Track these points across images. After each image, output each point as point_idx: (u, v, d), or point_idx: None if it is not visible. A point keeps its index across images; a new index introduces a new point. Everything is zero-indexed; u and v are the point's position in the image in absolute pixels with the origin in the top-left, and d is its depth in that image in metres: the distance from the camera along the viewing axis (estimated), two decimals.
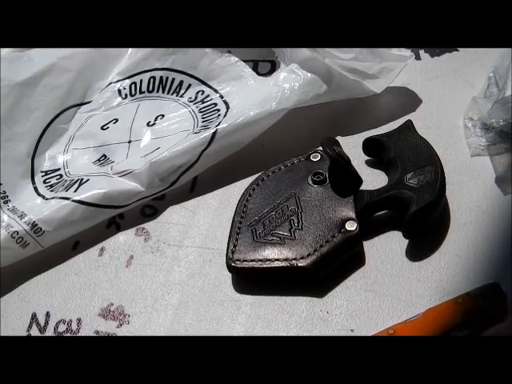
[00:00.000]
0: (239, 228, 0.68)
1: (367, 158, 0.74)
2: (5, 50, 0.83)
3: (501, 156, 0.73)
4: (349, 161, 0.68)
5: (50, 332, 0.68)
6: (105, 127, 0.81)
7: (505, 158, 0.72)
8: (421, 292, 0.65)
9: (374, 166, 0.74)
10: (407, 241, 0.68)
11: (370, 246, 0.68)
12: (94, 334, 0.68)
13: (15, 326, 0.70)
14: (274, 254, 0.66)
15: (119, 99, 0.84)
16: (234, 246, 0.67)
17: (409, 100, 0.79)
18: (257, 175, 0.73)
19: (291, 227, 0.67)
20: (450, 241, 0.68)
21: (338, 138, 0.72)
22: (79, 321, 0.69)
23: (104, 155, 0.78)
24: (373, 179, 0.72)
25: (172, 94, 0.82)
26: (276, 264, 0.65)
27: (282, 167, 0.72)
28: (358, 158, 0.73)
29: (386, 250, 0.68)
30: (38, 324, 0.69)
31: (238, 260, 0.66)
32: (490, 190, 0.70)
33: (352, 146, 0.74)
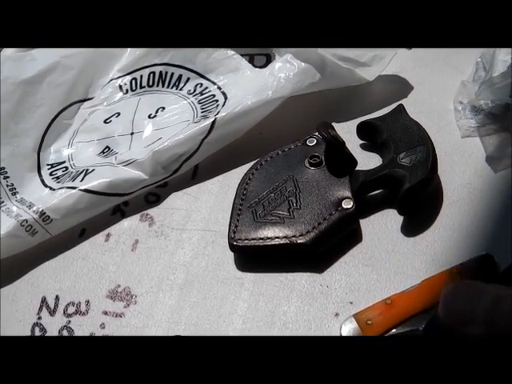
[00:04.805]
0: (240, 209, 0.71)
1: (361, 141, 0.77)
2: (8, 50, 0.86)
3: (490, 137, 0.75)
4: (343, 142, 0.71)
5: (59, 314, 0.71)
6: (107, 121, 0.84)
7: (494, 139, 0.75)
8: (416, 265, 0.67)
9: (368, 149, 0.76)
10: (402, 217, 0.70)
11: (367, 224, 0.71)
12: (103, 315, 0.70)
13: (26, 310, 0.72)
14: (274, 233, 0.68)
15: (121, 94, 0.86)
16: (236, 227, 0.70)
17: (400, 87, 0.81)
18: (255, 161, 0.75)
19: (290, 207, 0.70)
20: (444, 216, 0.70)
21: (333, 125, 0.74)
22: (88, 302, 0.71)
23: (107, 147, 0.81)
24: (367, 161, 0.74)
25: (171, 88, 0.85)
26: (276, 241, 0.68)
27: (280, 152, 0.75)
28: (352, 142, 0.76)
29: (382, 226, 0.70)
30: (47, 307, 0.71)
31: (239, 239, 0.69)
32: (480, 169, 0.73)
33: (346, 131, 0.77)
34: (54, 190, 0.77)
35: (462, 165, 0.74)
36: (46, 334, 0.70)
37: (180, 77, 0.85)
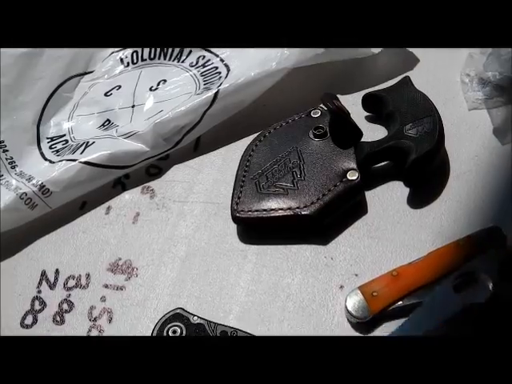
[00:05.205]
0: (243, 181, 0.70)
1: (367, 114, 0.75)
2: None
3: (498, 109, 0.74)
4: (348, 113, 0.70)
5: (59, 287, 0.70)
6: (108, 94, 0.82)
7: (502, 111, 0.74)
8: (423, 237, 0.66)
9: (373, 121, 0.75)
10: (408, 189, 0.69)
11: (372, 196, 0.70)
12: (103, 288, 0.69)
13: (25, 283, 0.71)
14: (277, 204, 0.67)
15: (121, 67, 0.85)
16: (239, 198, 0.69)
17: (406, 59, 0.80)
18: (259, 133, 0.74)
19: (294, 178, 0.68)
20: (450, 188, 0.69)
21: (338, 97, 0.73)
22: (88, 276, 0.70)
23: (108, 120, 0.80)
24: (373, 133, 0.73)
25: (173, 61, 0.83)
26: (280, 213, 0.67)
27: (284, 124, 0.74)
28: (357, 115, 0.74)
29: (388, 198, 0.69)
30: (47, 280, 0.70)
31: (242, 210, 0.68)
32: (488, 141, 0.72)
33: (351, 104, 0.75)
34: (53, 162, 0.76)
35: (469, 137, 0.73)
36: (46, 308, 0.69)
37: (182, 49, 0.83)
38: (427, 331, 0.53)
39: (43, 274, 0.71)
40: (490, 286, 0.55)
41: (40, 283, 0.70)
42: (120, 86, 0.83)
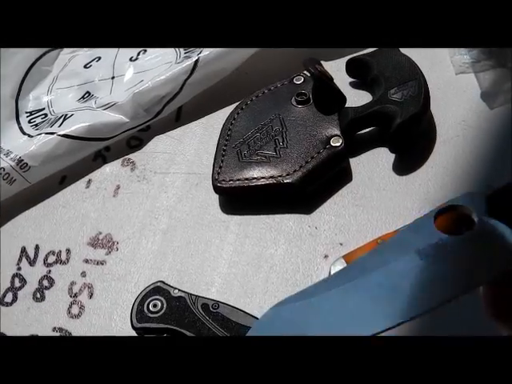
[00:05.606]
0: (224, 150, 0.68)
1: (351, 79, 0.74)
2: None
3: (485, 73, 0.72)
4: (331, 78, 0.68)
5: (39, 263, 0.68)
6: (88, 66, 0.81)
7: (490, 75, 0.72)
8: (409, 204, 0.65)
9: (358, 86, 0.73)
10: (394, 156, 0.67)
11: (357, 163, 0.68)
12: (84, 263, 0.67)
13: (5, 261, 0.70)
14: (259, 173, 0.66)
15: None
16: (220, 168, 0.67)
17: None
18: (241, 101, 0.72)
19: (276, 146, 0.67)
20: (437, 154, 0.67)
21: (322, 63, 0.71)
22: (68, 251, 0.68)
23: (88, 92, 0.78)
24: (357, 99, 0.72)
25: None
26: (262, 182, 0.65)
27: (266, 91, 0.72)
28: (341, 81, 0.73)
29: (373, 165, 0.67)
30: (27, 257, 0.69)
31: (223, 180, 0.66)
32: (475, 105, 0.70)
33: (335, 70, 0.74)
34: (32, 137, 0.74)
35: (456, 102, 0.71)
36: (26, 285, 0.68)
37: None
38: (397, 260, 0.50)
39: (23, 250, 0.70)
40: (476, 219, 0.52)
41: (20, 260, 0.69)
42: (100, 58, 0.81)
